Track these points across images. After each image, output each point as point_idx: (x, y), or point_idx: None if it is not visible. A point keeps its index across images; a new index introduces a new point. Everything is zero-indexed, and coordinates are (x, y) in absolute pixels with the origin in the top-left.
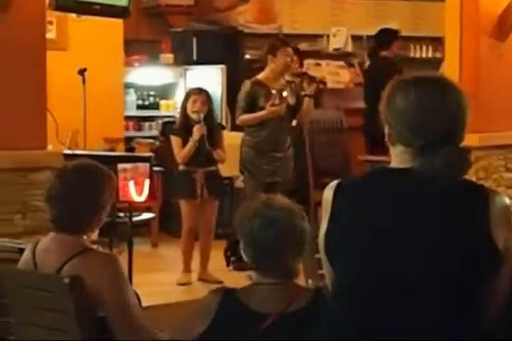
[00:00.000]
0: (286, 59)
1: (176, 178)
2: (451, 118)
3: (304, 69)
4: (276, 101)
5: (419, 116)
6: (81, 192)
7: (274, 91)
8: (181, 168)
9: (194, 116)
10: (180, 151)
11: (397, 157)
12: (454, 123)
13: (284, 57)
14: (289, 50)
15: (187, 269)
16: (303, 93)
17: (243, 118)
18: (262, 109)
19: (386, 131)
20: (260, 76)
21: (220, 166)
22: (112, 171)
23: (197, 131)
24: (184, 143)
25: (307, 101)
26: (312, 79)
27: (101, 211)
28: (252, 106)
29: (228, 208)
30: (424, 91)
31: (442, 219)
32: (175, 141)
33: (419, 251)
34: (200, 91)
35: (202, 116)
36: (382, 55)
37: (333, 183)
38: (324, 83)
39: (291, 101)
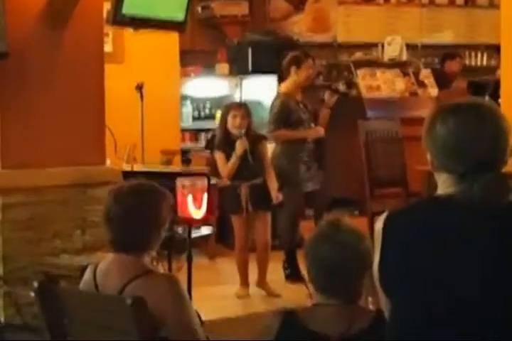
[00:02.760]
0: (309, 71)
1: (223, 193)
2: (490, 146)
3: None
4: (305, 115)
5: (457, 144)
6: (139, 212)
7: (301, 105)
8: (226, 183)
9: (235, 132)
10: (224, 166)
11: (443, 184)
12: (493, 150)
13: (307, 69)
14: (311, 62)
15: (244, 282)
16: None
17: (280, 133)
18: (296, 122)
19: (428, 158)
20: (283, 88)
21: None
22: (167, 189)
23: (240, 146)
24: (228, 158)
25: (324, 112)
26: (335, 91)
27: (160, 230)
28: (287, 120)
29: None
30: (462, 119)
31: (496, 242)
32: (218, 156)
33: (481, 274)
34: (240, 106)
35: (243, 131)
36: None
37: (383, 216)
38: (346, 95)
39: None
